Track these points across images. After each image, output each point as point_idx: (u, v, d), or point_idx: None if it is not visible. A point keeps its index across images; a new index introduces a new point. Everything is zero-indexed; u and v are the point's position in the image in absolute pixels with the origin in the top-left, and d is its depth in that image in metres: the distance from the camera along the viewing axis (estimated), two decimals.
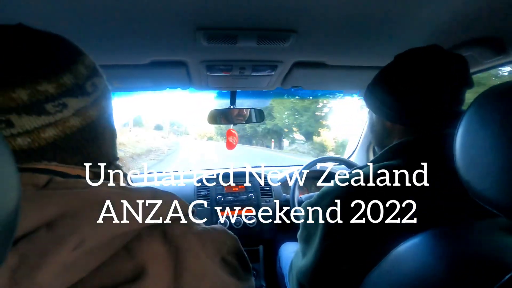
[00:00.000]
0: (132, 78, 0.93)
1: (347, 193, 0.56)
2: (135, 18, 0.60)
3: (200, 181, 1.49)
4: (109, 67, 0.83)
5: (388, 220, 0.51)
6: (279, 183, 1.57)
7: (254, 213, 1.44)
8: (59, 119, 0.34)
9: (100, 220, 0.30)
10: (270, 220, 1.45)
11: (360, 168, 0.62)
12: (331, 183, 0.61)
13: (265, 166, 1.83)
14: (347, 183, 0.57)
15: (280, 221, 1.46)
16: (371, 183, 0.55)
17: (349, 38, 0.76)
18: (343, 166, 1.78)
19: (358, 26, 0.69)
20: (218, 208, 1.41)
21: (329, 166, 1.62)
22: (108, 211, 0.31)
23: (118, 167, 0.44)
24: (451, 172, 0.51)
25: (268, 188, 1.52)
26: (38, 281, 0.26)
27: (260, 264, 1.45)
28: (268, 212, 1.45)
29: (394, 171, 0.55)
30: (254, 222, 1.41)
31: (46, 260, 0.27)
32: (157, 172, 1.66)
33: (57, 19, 0.58)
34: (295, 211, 1.30)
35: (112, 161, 0.43)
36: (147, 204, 0.34)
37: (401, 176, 0.54)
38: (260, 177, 1.55)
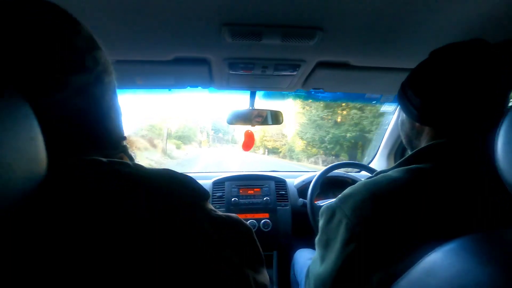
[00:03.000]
0: (155, 75, 0.95)
1: (372, 196, 0.53)
2: (162, 13, 0.61)
3: (216, 182, 1.49)
4: (133, 62, 0.85)
5: (416, 225, 0.48)
6: (296, 188, 1.54)
7: (269, 217, 1.41)
8: (60, 99, 0.31)
9: (119, 203, 0.30)
10: (285, 225, 1.42)
11: (386, 171, 0.59)
12: (354, 186, 0.58)
13: (282, 171, 1.81)
14: (371, 186, 0.54)
15: (295, 227, 1.43)
16: (397, 187, 0.52)
17: (376, 37, 0.74)
18: (363, 173, 1.73)
19: (388, 23, 0.67)
20: (232, 210, 1.40)
21: (348, 172, 1.57)
22: (127, 193, 0.31)
23: (125, 148, 0.42)
24: (485, 176, 0.48)
25: (284, 193, 1.50)
26: None
27: (273, 270, 1.41)
28: (284, 217, 1.42)
29: (422, 174, 0.52)
30: (268, 226, 1.38)
31: None
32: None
33: (83, 11, 0.59)
34: (313, 217, 1.27)
35: (119, 142, 0.41)
36: (163, 186, 0.34)
37: (430, 180, 0.51)
38: (276, 181, 1.53)
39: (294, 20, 0.65)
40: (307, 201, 1.30)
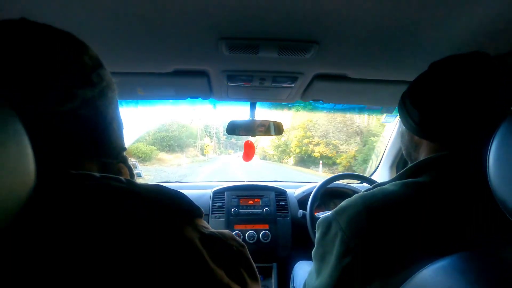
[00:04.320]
0: (156, 86, 0.97)
1: (367, 209, 0.52)
2: (161, 27, 0.63)
3: (216, 192, 1.49)
4: (135, 74, 0.87)
5: (411, 240, 0.47)
6: (296, 199, 1.53)
7: (268, 228, 1.40)
8: (69, 109, 0.35)
9: (107, 214, 0.31)
10: (284, 237, 1.40)
11: (383, 184, 0.58)
12: (350, 198, 0.58)
13: (283, 181, 1.80)
14: (367, 199, 0.54)
15: (295, 238, 1.41)
16: (393, 200, 0.51)
17: (373, 50, 0.74)
18: (364, 185, 1.72)
19: (384, 37, 0.67)
20: (232, 220, 1.39)
21: (349, 184, 1.56)
22: (117, 205, 0.32)
23: (125, 159, 0.45)
24: (482, 191, 0.47)
25: (284, 203, 1.49)
26: None
27: (272, 282, 1.39)
28: (283, 228, 1.41)
29: (419, 188, 0.51)
30: (268, 238, 1.37)
31: None
32: (174, 182, 1.69)
33: (84, 26, 0.61)
34: (312, 229, 1.26)
35: (120, 152, 0.44)
36: (153, 202, 0.35)
37: (427, 194, 0.51)
38: (277, 192, 1.52)
39: (290, 34, 0.66)
40: (307, 212, 1.29)
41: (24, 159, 0.26)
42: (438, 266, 0.38)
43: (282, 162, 24.04)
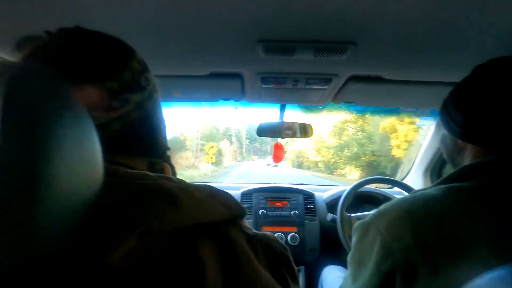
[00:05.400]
0: (192, 89, 1.00)
1: (407, 214, 0.51)
2: (201, 31, 0.65)
3: (244, 193, 1.51)
4: (172, 77, 0.91)
5: (457, 247, 0.45)
6: (325, 203, 1.51)
7: (296, 231, 1.39)
8: (123, 113, 0.37)
9: (165, 212, 0.31)
10: (312, 240, 1.39)
11: (425, 189, 0.57)
12: (390, 202, 0.57)
13: (310, 184, 1.79)
14: (407, 203, 0.53)
15: (324, 242, 1.39)
16: (437, 205, 0.50)
17: (411, 51, 0.72)
18: (395, 189, 1.66)
19: (424, 38, 0.66)
20: (260, 222, 1.40)
21: (379, 188, 1.52)
22: (173, 204, 0.32)
23: (169, 158, 0.47)
24: None
25: (312, 206, 1.47)
26: (109, 262, 0.27)
27: (300, 286, 1.38)
28: (312, 231, 1.40)
29: (466, 193, 0.49)
30: (296, 241, 1.36)
31: (117, 243, 0.28)
32: (203, 183, 1.72)
33: (126, 31, 0.65)
34: (343, 231, 1.23)
35: (165, 151, 0.46)
36: (205, 201, 0.35)
37: (474, 199, 0.48)
38: (305, 194, 1.51)
39: (326, 35, 0.67)
40: (337, 214, 1.27)
41: (96, 155, 0.28)
42: (494, 276, 0.36)
43: (333, 174, 18.52)
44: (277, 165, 22.43)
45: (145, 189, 0.33)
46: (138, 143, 0.41)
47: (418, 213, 0.50)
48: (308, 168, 23.54)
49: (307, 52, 0.72)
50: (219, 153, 23.90)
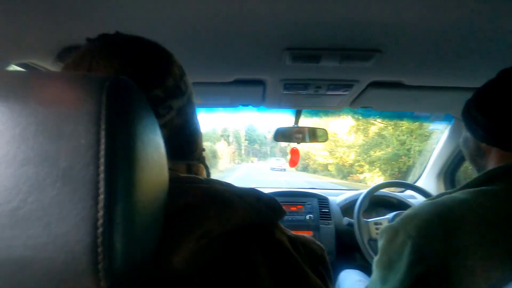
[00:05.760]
0: (214, 95, 1.02)
1: (438, 217, 0.52)
2: (229, 39, 0.67)
3: None
4: (197, 84, 0.93)
5: (492, 250, 0.46)
6: (339, 206, 1.52)
7: (312, 235, 1.40)
8: (168, 120, 0.37)
9: (221, 215, 0.33)
10: (328, 244, 1.39)
11: (450, 192, 0.58)
12: (417, 206, 0.58)
13: (322, 188, 1.80)
14: (437, 207, 0.54)
15: (339, 246, 1.40)
16: (468, 208, 0.51)
17: (435, 57, 0.74)
18: (407, 193, 1.66)
19: (448, 45, 0.67)
20: None
21: (394, 192, 1.52)
22: (227, 207, 0.34)
23: (204, 159, 0.47)
24: None
25: (327, 210, 1.48)
26: (174, 265, 0.29)
27: None
28: (327, 235, 1.40)
29: (495, 196, 0.51)
30: None
31: (179, 245, 0.30)
32: None
33: (161, 39, 0.66)
34: (360, 235, 1.24)
35: (201, 154, 0.46)
36: (253, 204, 0.36)
37: (504, 201, 0.50)
38: (319, 199, 1.52)
39: (353, 43, 0.68)
40: (354, 218, 1.27)
41: (165, 160, 0.30)
42: None
43: (347, 179, 15.51)
44: (284, 169, 21.08)
45: (201, 193, 0.34)
46: (180, 147, 0.41)
47: (449, 217, 0.51)
48: (315, 172, 20.86)
49: (332, 59, 0.74)
50: (213, 155, 21.44)
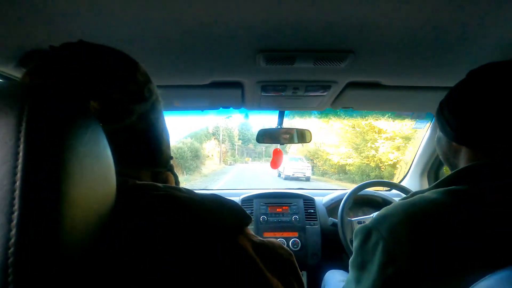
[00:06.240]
0: (192, 98, 1.01)
1: (409, 218, 0.52)
2: (203, 43, 0.66)
3: (244, 199, 1.51)
4: (173, 87, 0.92)
5: (459, 250, 0.46)
6: (325, 207, 1.52)
7: (298, 236, 1.40)
8: (127, 124, 0.38)
9: (177, 222, 0.33)
10: (314, 245, 1.39)
11: (422, 191, 0.58)
12: (390, 206, 0.58)
13: (309, 189, 1.80)
14: (408, 207, 0.54)
15: (325, 247, 1.40)
16: (436, 209, 0.51)
17: (409, 57, 0.74)
18: (393, 192, 1.68)
19: (421, 45, 0.67)
20: (261, 228, 1.40)
21: (379, 191, 1.53)
22: (184, 214, 0.33)
23: (172, 167, 0.48)
24: None
25: (313, 211, 1.48)
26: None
27: None
28: (313, 236, 1.40)
29: (462, 196, 0.51)
30: (298, 246, 1.37)
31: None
32: (204, 190, 1.73)
33: (130, 44, 0.65)
34: (344, 235, 1.24)
35: (168, 161, 0.47)
36: (215, 210, 0.36)
37: (471, 202, 0.50)
38: (305, 199, 1.52)
39: (326, 44, 0.68)
40: (338, 218, 1.28)
41: (111, 170, 0.29)
42: (502, 277, 0.37)
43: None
44: (308, 178, 14.46)
45: (158, 200, 0.34)
46: (142, 153, 0.41)
47: (418, 218, 0.51)
48: (323, 175, 17.01)
49: (306, 61, 0.73)
50: (195, 155, 16.65)
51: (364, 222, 1.25)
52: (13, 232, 0.18)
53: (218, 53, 0.72)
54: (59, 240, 0.21)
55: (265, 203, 1.48)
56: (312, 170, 16.54)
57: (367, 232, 0.57)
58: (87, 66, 0.36)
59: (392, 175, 11.47)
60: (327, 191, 1.73)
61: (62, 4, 0.50)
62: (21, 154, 0.19)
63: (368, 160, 12.96)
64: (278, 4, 0.52)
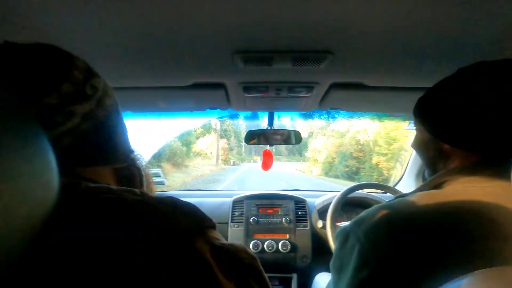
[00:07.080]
0: (176, 99, 1.01)
1: (384, 220, 0.51)
2: (179, 44, 0.66)
3: (235, 201, 1.51)
4: (156, 88, 0.92)
5: (433, 253, 0.45)
6: (316, 209, 1.50)
7: (288, 238, 1.39)
8: (70, 127, 0.36)
9: (128, 225, 0.32)
10: (304, 247, 1.38)
11: (405, 195, 0.57)
12: (369, 209, 0.57)
13: (304, 190, 1.78)
14: (385, 210, 0.53)
15: (316, 249, 1.38)
16: (414, 212, 0.50)
17: (389, 58, 0.73)
18: (388, 194, 1.65)
19: (401, 45, 0.66)
20: (251, 229, 1.39)
21: (372, 193, 1.51)
22: (134, 216, 0.33)
23: (133, 161, 0.46)
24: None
25: (303, 213, 1.47)
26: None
27: None
28: (303, 238, 1.39)
29: (441, 199, 0.50)
30: (287, 248, 1.36)
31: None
32: (196, 190, 1.73)
33: (108, 46, 0.65)
34: (332, 239, 1.23)
35: (128, 155, 0.45)
36: (167, 213, 0.35)
37: (450, 204, 0.49)
38: (296, 201, 1.51)
39: (303, 45, 0.67)
40: (327, 222, 1.26)
41: (50, 174, 0.28)
42: (460, 285, 0.36)
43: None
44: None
45: (107, 204, 0.33)
46: (96, 152, 0.40)
47: (395, 220, 0.50)
48: (337, 177, 15.46)
49: (284, 62, 0.73)
50: (177, 155, 13.99)
51: None
52: None
53: (196, 54, 0.72)
54: None
55: (256, 205, 1.48)
56: (328, 172, 15.14)
57: (345, 235, 0.57)
58: (12, 72, 0.33)
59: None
60: (320, 192, 1.71)
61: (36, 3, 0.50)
62: None
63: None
64: (253, 5, 0.52)
